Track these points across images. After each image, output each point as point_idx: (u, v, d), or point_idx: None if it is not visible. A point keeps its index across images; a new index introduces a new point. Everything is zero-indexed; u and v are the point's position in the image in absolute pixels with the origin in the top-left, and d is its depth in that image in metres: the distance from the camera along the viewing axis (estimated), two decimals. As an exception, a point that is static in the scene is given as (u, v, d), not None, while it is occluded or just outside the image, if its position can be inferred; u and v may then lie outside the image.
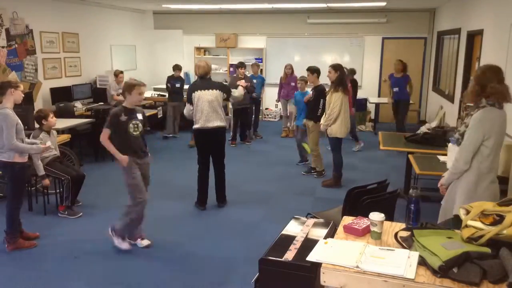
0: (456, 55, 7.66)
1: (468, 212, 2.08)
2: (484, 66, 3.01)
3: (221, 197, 5.24)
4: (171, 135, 8.90)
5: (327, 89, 5.97)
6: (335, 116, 5.67)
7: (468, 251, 1.84)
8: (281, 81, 9.13)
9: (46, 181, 4.72)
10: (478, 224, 1.97)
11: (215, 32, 11.16)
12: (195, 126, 4.94)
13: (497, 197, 2.97)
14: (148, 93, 8.70)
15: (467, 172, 2.94)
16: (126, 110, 3.94)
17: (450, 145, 3.89)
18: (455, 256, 1.80)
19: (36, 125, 5.15)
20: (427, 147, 5.14)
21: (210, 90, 4.88)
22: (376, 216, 2.18)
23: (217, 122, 4.90)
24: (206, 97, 4.85)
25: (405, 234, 2.13)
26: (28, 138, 4.45)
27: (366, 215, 2.28)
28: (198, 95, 4.86)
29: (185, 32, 11.36)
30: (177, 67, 8.80)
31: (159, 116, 8.44)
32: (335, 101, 5.66)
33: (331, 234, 2.55)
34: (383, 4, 8.98)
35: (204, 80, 4.98)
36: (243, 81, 7.90)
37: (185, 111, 5.06)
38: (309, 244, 2.41)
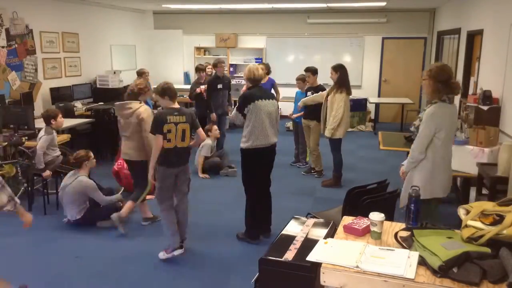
0: (456, 55, 7.66)
1: (468, 212, 2.08)
2: (438, 64, 3.34)
3: (268, 225, 4.42)
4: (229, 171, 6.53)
5: (327, 89, 5.98)
6: (340, 117, 5.65)
7: (468, 251, 1.84)
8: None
9: (47, 173, 4.99)
10: (478, 224, 1.98)
11: (215, 32, 11.16)
12: (255, 143, 4.05)
13: (447, 188, 3.40)
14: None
15: (424, 161, 3.28)
16: None
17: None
18: (455, 256, 1.81)
19: (40, 125, 5.21)
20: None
21: (271, 100, 4.14)
22: (376, 216, 2.18)
23: (275, 137, 4.23)
24: (267, 108, 4.07)
25: (405, 234, 2.13)
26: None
27: (366, 215, 2.28)
28: (259, 105, 4.02)
29: (185, 32, 11.36)
30: (219, 61, 7.02)
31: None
32: (339, 102, 5.64)
33: (331, 234, 2.55)
34: (383, 4, 8.98)
35: (261, 88, 4.22)
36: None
37: (235, 118, 4.16)
38: (309, 244, 2.41)
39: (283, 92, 10.19)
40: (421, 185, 3.14)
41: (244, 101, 4.05)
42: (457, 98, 7.19)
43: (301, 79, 6.70)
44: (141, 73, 7.38)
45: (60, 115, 5.15)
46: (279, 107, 4.36)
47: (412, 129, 3.38)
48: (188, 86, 10.78)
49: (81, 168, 4.71)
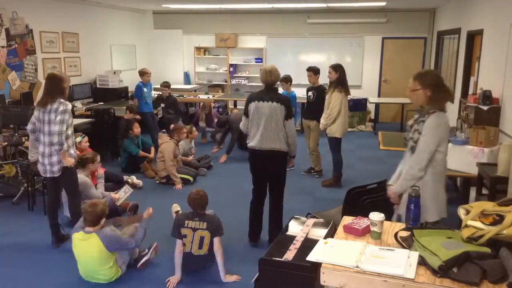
0: (456, 55, 7.66)
1: (468, 212, 2.08)
2: (427, 70, 2.98)
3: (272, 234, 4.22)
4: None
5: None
6: (335, 116, 5.68)
7: (468, 251, 1.84)
8: None
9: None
10: (478, 224, 1.98)
11: (215, 32, 11.16)
12: (250, 143, 4.09)
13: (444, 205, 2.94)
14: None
15: (424, 179, 2.84)
16: None
17: (449, 145, 3.90)
18: (455, 256, 1.81)
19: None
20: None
21: (270, 103, 3.93)
22: (376, 216, 2.18)
23: (273, 143, 3.97)
24: (261, 110, 3.96)
25: (405, 234, 2.13)
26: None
27: (366, 215, 2.28)
28: (254, 106, 3.99)
29: (185, 32, 11.36)
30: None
31: (158, 116, 8.42)
32: (334, 101, 5.67)
33: (331, 234, 2.55)
34: (383, 4, 8.98)
35: (269, 90, 4.05)
36: None
37: (241, 125, 4.24)
38: (309, 244, 2.41)
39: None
40: (425, 205, 2.77)
41: (246, 102, 4.15)
42: (457, 98, 7.22)
43: (283, 80, 6.65)
44: (143, 73, 7.42)
45: None
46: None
47: (410, 143, 2.92)
48: (189, 86, 10.82)
49: (84, 168, 4.77)
